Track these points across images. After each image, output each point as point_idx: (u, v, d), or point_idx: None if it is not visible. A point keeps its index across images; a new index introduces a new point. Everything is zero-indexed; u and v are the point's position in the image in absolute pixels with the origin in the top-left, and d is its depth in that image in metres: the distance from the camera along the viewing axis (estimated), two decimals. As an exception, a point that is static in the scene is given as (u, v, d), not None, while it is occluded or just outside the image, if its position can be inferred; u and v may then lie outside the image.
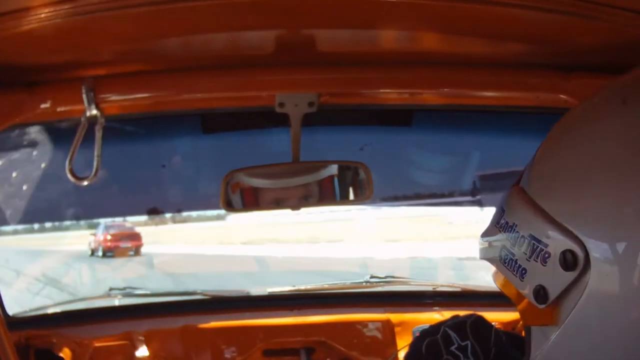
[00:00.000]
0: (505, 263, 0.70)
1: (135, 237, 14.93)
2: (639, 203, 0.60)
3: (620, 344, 0.61)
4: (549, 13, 0.90)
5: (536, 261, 0.65)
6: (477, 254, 0.78)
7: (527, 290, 0.67)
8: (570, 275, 0.62)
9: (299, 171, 1.49)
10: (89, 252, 14.67)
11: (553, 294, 0.64)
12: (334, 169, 1.53)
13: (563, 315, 0.64)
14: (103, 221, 13.78)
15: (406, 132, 1.87)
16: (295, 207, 1.60)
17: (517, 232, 0.69)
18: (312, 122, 1.52)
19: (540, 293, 0.65)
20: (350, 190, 1.55)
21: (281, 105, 1.33)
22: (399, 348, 1.88)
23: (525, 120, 1.78)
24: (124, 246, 14.54)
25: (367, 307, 2.03)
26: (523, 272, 0.67)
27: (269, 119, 1.69)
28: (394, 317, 1.91)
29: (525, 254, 0.67)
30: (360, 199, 1.55)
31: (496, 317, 1.85)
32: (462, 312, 1.88)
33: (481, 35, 1.06)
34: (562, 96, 1.20)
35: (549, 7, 0.88)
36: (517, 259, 0.68)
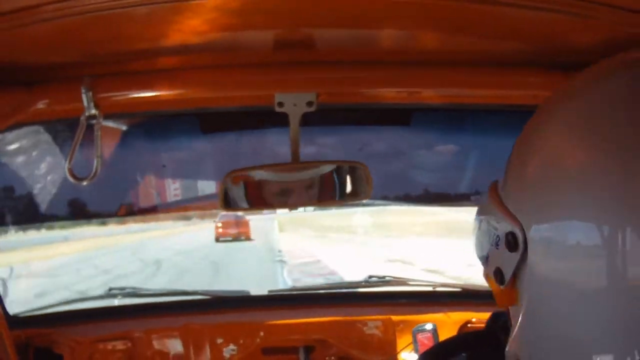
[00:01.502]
0: (479, 255, 0.76)
1: (243, 224, 18.40)
2: (572, 186, 0.61)
3: (572, 319, 0.62)
4: (547, 12, 0.90)
5: (491, 245, 0.70)
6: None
7: (490, 274, 0.71)
8: (515, 256, 0.65)
9: (307, 169, 1.49)
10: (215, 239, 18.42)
11: (507, 274, 0.68)
12: (341, 167, 1.53)
13: (521, 295, 0.68)
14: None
15: (405, 131, 1.88)
16: (298, 205, 1.61)
17: (481, 218, 0.75)
18: (311, 121, 1.52)
19: (498, 275, 0.69)
20: (351, 189, 1.55)
21: (280, 104, 1.33)
22: (399, 347, 1.88)
23: (524, 120, 1.78)
24: (232, 232, 18.24)
25: (367, 307, 2.03)
26: (486, 256, 0.73)
27: (267, 118, 1.69)
28: (394, 315, 1.91)
29: (486, 238, 0.72)
30: (359, 198, 1.55)
31: None
32: (461, 312, 1.89)
33: (479, 34, 1.06)
34: None
35: (547, 6, 0.88)
36: (482, 244, 0.74)
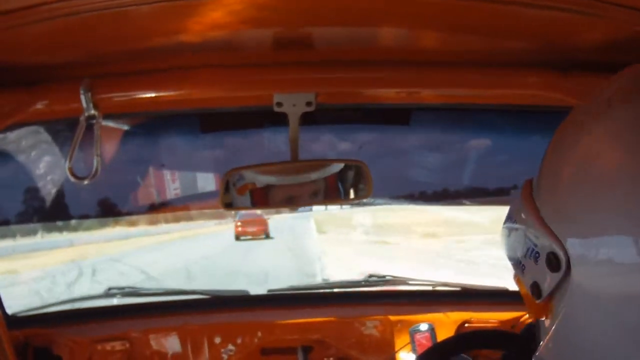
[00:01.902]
0: (511, 257, 0.74)
1: (261, 223, 18.88)
2: (617, 209, 0.60)
3: (606, 342, 0.62)
4: (547, 10, 0.90)
5: (530, 259, 0.68)
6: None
7: (526, 285, 0.70)
8: (557, 276, 0.64)
9: (307, 168, 1.50)
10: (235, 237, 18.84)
11: (545, 291, 0.66)
12: (341, 167, 1.54)
13: (556, 311, 0.66)
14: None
15: (404, 131, 1.88)
16: (298, 204, 1.61)
17: (518, 229, 0.72)
18: (310, 121, 1.52)
19: (535, 289, 0.68)
20: (350, 188, 1.55)
21: (279, 104, 1.33)
22: (397, 347, 1.88)
23: (524, 119, 1.78)
24: (250, 230, 18.65)
25: (366, 307, 2.03)
26: (523, 267, 0.71)
27: (267, 118, 1.69)
28: (393, 315, 1.91)
29: (523, 251, 0.70)
30: (359, 197, 1.56)
31: (495, 315, 1.86)
32: (460, 312, 1.90)
33: (479, 33, 1.06)
34: (559, 95, 1.20)
35: (547, 4, 0.88)
36: (518, 255, 0.72)
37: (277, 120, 1.45)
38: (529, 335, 0.93)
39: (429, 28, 1.06)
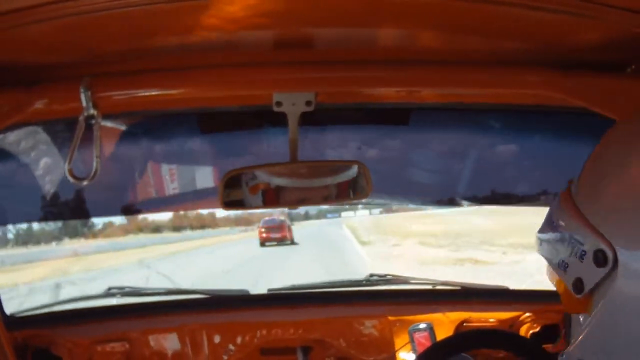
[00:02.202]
0: (552, 257, 0.81)
1: (286, 228, 19.15)
2: None
3: None
4: (547, 11, 0.90)
5: (575, 257, 0.75)
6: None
7: (568, 282, 0.76)
8: (602, 271, 0.70)
9: (300, 167, 1.49)
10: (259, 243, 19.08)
11: (588, 286, 0.73)
12: (340, 167, 1.54)
13: (595, 306, 0.73)
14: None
15: (404, 131, 1.88)
16: (297, 204, 1.60)
17: (562, 231, 0.79)
18: (309, 121, 1.52)
19: (578, 285, 0.74)
20: (349, 188, 1.55)
21: (278, 104, 1.33)
22: (396, 347, 1.88)
23: (524, 119, 1.78)
24: (273, 236, 18.89)
25: (366, 306, 2.03)
26: (565, 266, 0.77)
27: (266, 118, 1.69)
28: (393, 315, 1.91)
29: (567, 250, 0.77)
30: (358, 197, 1.55)
31: (494, 315, 1.86)
32: (459, 311, 1.90)
33: (479, 33, 1.06)
34: (559, 94, 1.20)
35: (548, 6, 0.89)
36: (561, 255, 0.78)
37: (277, 120, 1.45)
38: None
39: (429, 28, 1.07)
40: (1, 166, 1.85)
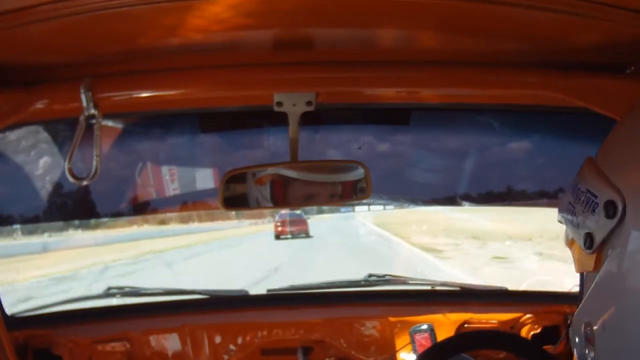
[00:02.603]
0: (568, 215, 0.83)
1: (301, 222, 19.27)
2: None
3: None
4: (547, 12, 0.90)
5: (588, 211, 0.76)
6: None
7: (580, 239, 0.78)
8: (610, 223, 0.71)
9: (301, 167, 1.49)
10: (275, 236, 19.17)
11: (598, 240, 0.74)
12: (340, 167, 1.53)
13: (604, 262, 0.74)
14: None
15: (404, 131, 1.88)
16: (297, 205, 1.60)
17: (580, 188, 0.81)
18: (310, 121, 1.52)
19: (588, 240, 0.75)
20: (350, 188, 1.55)
21: (279, 104, 1.33)
22: (397, 347, 1.88)
23: (524, 119, 1.78)
24: (289, 230, 18.91)
25: (366, 307, 2.03)
26: (578, 221, 0.79)
27: (267, 118, 1.69)
28: (393, 316, 1.91)
29: (582, 205, 0.78)
30: (359, 198, 1.55)
31: (494, 316, 1.86)
32: (459, 312, 1.90)
33: (479, 33, 1.06)
34: (559, 95, 1.20)
35: (548, 6, 0.89)
36: (576, 211, 0.80)
37: (277, 120, 1.45)
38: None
39: (429, 29, 1.06)
40: (1, 166, 1.85)
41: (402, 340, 1.87)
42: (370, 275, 2.17)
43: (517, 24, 0.99)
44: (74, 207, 2.15)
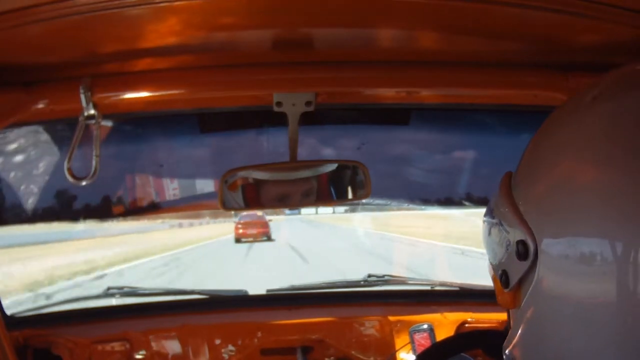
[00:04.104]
0: (486, 245, 0.75)
1: (261, 224, 18.18)
2: (593, 207, 0.59)
3: (576, 333, 0.62)
4: (547, 12, 0.90)
5: (501, 247, 0.69)
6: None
7: (497, 274, 0.71)
8: (524, 265, 0.64)
9: (300, 167, 1.50)
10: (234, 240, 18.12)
11: (512, 280, 0.67)
12: (340, 167, 1.53)
13: (523, 300, 0.67)
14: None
15: (404, 131, 1.88)
16: (297, 205, 1.60)
17: (494, 216, 0.72)
18: (309, 121, 1.52)
19: (503, 278, 0.69)
20: (349, 189, 1.55)
21: (279, 104, 1.33)
22: (396, 347, 1.88)
23: (524, 119, 1.78)
24: (250, 233, 17.89)
25: (365, 307, 2.03)
26: (495, 255, 0.71)
27: (266, 118, 1.69)
28: (392, 315, 1.91)
29: (496, 238, 0.70)
30: (358, 198, 1.55)
31: (494, 316, 1.86)
32: (459, 312, 1.90)
33: (479, 33, 1.06)
34: (559, 95, 1.20)
35: (548, 6, 0.88)
36: (491, 243, 0.72)
37: (277, 120, 1.45)
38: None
39: (428, 28, 1.06)
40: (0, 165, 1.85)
41: (401, 340, 1.87)
42: (369, 276, 2.18)
43: (517, 24, 0.98)
44: (71, 207, 2.15)
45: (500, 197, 0.71)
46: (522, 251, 0.64)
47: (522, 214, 0.66)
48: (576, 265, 0.60)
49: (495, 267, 0.71)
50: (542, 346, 0.66)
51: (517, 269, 0.66)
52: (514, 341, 0.71)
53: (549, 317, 0.64)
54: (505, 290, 0.69)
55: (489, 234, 0.74)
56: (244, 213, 16.08)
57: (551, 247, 0.62)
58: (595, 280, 0.59)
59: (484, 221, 0.78)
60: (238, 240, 18.10)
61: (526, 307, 0.66)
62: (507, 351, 0.73)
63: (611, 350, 0.59)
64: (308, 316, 1.94)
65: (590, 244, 0.59)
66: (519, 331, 0.69)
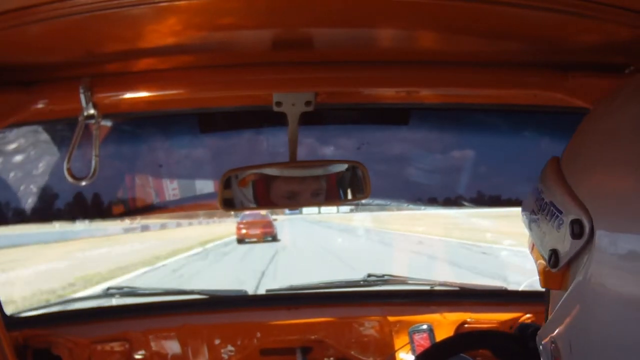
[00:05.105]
0: (532, 226, 0.76)
1: (266, 224, 17.36)
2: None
3: (624, 319, 0.62)
4: (546, 12, 0.90)
5: (552, 227, 0.70)
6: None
7: (544, 253, 0.71)
8: (577, 244, 0.65)
9: (305, 168, 1.50)
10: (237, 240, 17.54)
11: (563, 259, 0.68)
12: (339, 167, 1.53)
13: (570, 282, 0.68)
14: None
15: (403, 131, 1.88)
16: (297, 205, 1.60)
17: (543, 198, 0.73)
18: (309, 121, 1.52)
19: (553, 257, 0.69)
20: (349, 189, 1.55)
21: (278, 104, 1.33)
22: (396, 347, 1.88)
23: (523, 119, 1.78)
24: (253, 233, 17.04)
25: (365, 307, 2.03)
26: (543, 235, 0.72)
27: (266, 118, 1.69)
28: (392, 315, 1.91)
29: (546, 219, 0.71)
30: (358, 198, 1.55)
31: (494, 316, 1.86)
32: (458, 312, 1.90)
33: (479, 33, 1.06)
34: (559, 95, 1.20)
35: (547, 5, 0.88)
36: (540, 223, 0.73)
37: (277, 120, 1.45)
38: (523, 335, 0.94)
39: (428, 28, 1.06)
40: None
41: (401, 340, 1.87)
42: (369, 275, 2.18)
43: (517, 24, 0.98)
44: (70, 207, 2.15)
45: (550, 182, 0.73)
46: (577, 230, 0.65)
47: (574, 192, 0.67)
48: (629, 256, 0.61)
49: (542, 247, 0.72)
50: (590, 334, 0.66)
51: (569, 248, 0.66)
52: (558, 328, 0.71)
53: (600, 302, 0.64)
54: (553, 271, 0.69)
55: (536, 220, 0.75)
56: (247, 212, 15.45)
57: (606, 230, 0.63)
58: None
59: (524, 212, 0.80)
60: (240, 241, 17.37)
61: (575, 290, 0.67)
62: (544, 340, 0.73)
63: None
64: (307, 316, 1.94)
65: None
66: (565, 317, 0.69)
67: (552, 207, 0.70)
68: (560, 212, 0.68)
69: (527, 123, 1.79)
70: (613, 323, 0.62)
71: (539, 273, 0.74)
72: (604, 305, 0.63)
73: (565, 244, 0.67)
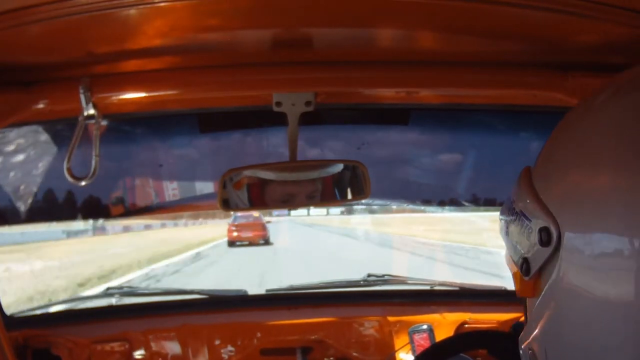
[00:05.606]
0: (505, 234, 0.77)
1: (258, 227, 16.90)
2: (612, 193, 0.62)
3: (594, 323, 0.63)
4: (546, 12, 0.90)
5: (523, 235, 0.71)
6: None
7: (517, 263, 0.73)
8: (546, 251, 0.66)
9: (300, 167, 1.50)
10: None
11: (534, 267, 0.69)
12: (339, 167, 1.53)
13: (542, 289, 0.69)
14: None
15: (403, 131, 1.88)
16: (302, 205, 1.60)
17: (514, 208, 0.75)
18: (309, 121, 1.52)
19: (524, 265, 0.70)
20: (349, 189, 1.55)
21: (278, 104, 1.33)
22: (396, 347, 1.88)
23: (523, 119, 1.78)
24: (245, 236, 16.64)
25: (365, 306, 2.03)
26: (515, 244, 0.74)
27: (266, 118, 1.69)
28: (392, 315, 1.91)
29: (517, 227, 0.73)
30: (358, 198, 1.55)
31: (494, 316, 1.86)
32: (458, 312, 1.90)
33: (478, 33, 1.06)
34: (559, 95, 1.20)
35: (547, 5, 0.88)
36: (512, 233, 0.75)
37: (276, 120, 1.45)
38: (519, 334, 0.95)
39: (428, 29, 1.06)
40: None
41: (401, 340, 1.87)
42: (369, 275, 2.18)
43: (517, 24, 0.98)
44: (70, 207, 2.15)
45: (521, 190, 0.74)
46: (545, 238, 0.66)
47: (542, 200, 0.68)
48: (599, 257, 0.62)
49: (515, 255, 0.74)
50: (562, 338, 0.67)
51: (539, 256, 0.68)
52: (533, 334, 0.72)
53: (571, 306, 0.65)
54: (526, 279, 0.71)
55: (508, 228, 0.76)
56: (239, 214, 15.45)
57: (573, 235, 0.64)
58: (615, 273, 0.60)
59: (500, 219, 0.81)
60: (232, 243, 16.88)
61: (547, 296, 0.68)
62: (523, 345, 0.75)
63: (627, 343, 0.60)
64: (308, 316, 1.94)
65: (615, 238, 0.61)
66: (539, 323, 0.70)
67: (522, 216, 0.72)
68: (530, 220, 0.69)
69: (526, 123, 1.79)
70: (584, 325, 0.64)
71: (514, 282, 0.75)
72: (574, 308, 0.65)
73: (534, 252, 0.68)
